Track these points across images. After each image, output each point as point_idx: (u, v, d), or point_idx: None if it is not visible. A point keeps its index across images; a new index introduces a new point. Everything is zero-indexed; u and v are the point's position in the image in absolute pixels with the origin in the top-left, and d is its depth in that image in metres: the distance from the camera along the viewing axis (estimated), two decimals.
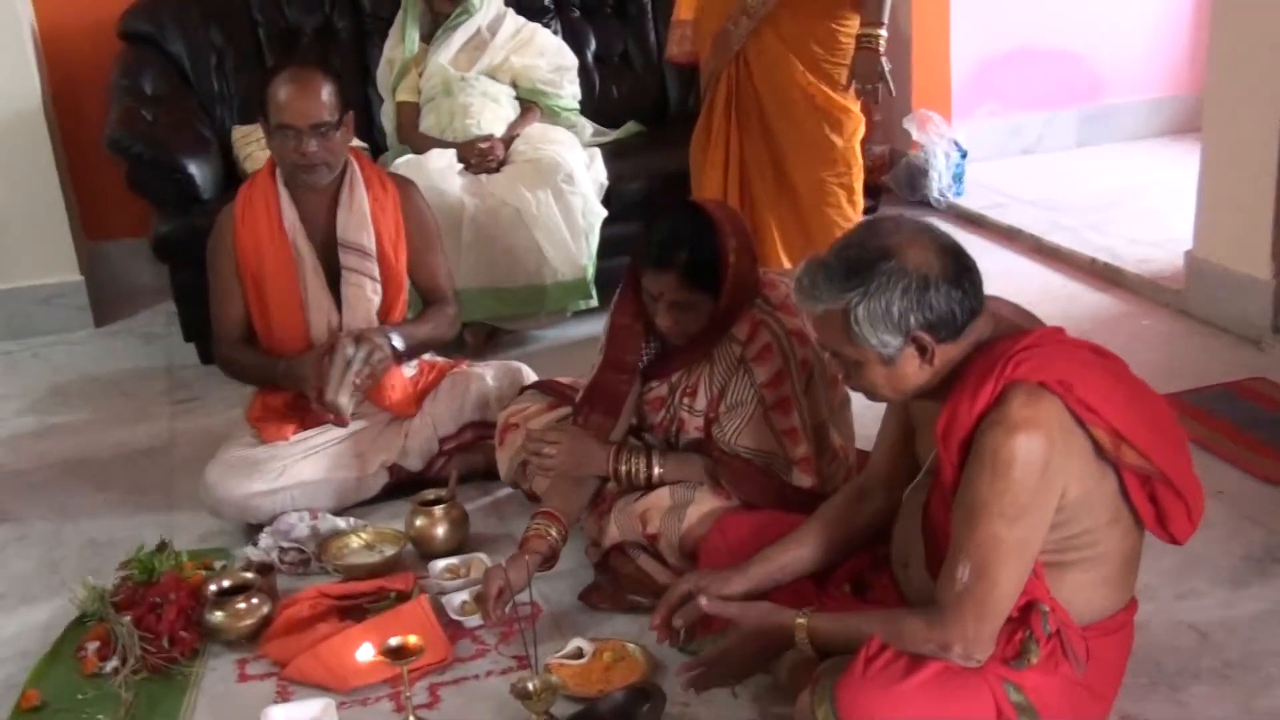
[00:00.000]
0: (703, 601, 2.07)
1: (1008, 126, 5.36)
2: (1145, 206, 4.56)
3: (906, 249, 1.83)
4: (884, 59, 3.33)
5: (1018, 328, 1.94)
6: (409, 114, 4.04)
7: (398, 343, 2.86)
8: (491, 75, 4.05)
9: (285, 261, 2.85)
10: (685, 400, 2.49)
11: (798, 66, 3.38)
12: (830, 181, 3.49)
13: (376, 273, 2.89)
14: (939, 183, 4.84)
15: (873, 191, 4.88)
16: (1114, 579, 1.95)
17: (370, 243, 2.88)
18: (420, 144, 3.93)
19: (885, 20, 3.31)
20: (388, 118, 4.12)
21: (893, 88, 3.39)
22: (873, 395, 1.95)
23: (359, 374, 2.81)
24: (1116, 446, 1.85)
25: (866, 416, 2.41)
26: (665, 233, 2.35)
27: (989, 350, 1.87)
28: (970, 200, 4.84)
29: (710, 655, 2.10)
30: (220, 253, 2.90)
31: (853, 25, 3.35)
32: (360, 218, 2.88)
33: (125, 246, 4.48)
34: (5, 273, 4.11)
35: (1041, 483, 1.80)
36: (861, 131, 3.54)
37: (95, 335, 4.16)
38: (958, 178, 4.88)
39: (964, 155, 4.89)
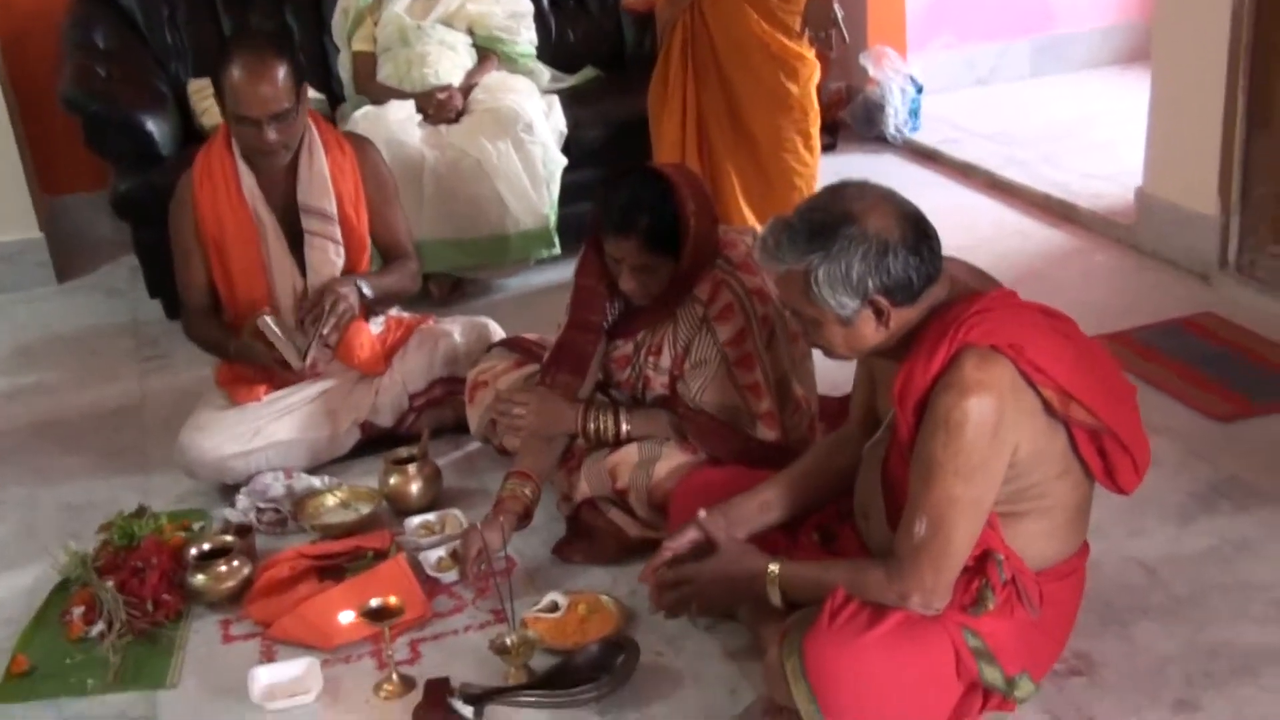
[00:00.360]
0: (701, 514, 2.15)
1: (962, 58, 5.41)
2: (1098, 138, 4.63)
3: (869, 214, 1.88)
4: (837, 5, 3.37)
5: (972, 291, 2.00)
6: (365, 64, 4.02)
7: (366, 290, 2.89)
8: (447, 23, 4.03)
9: (246, 228, 2.86)
10: (650, 359, 2.55)
11: (752, 15, 3.40)
12: (787, 128, 3.53)
13: (339, 235, 2.91)
14: (895, 118, 4.89)
15: (830, 129, 4.95)
16: (1065, 527, 2.04)
17: (331, 206, 2.89)
18: (378, 93, 3.93)
19: None
20: (344, 68, 4.10)
21: (846, 34, 3.42)
22: (830, 353, 2.02)
23: (327, 325, 2.83)
24: (1065, 405, 1.92)
25: (828, 364, 2.48)
26: (625, 199, 2.39)
27: (944, 314, 1.93)
28: (926, 135, 4.90)
29: (684, 574, 2.15)
30: (181, 221, 2.91)
31: None
32: (321, 182, 2.88)
33: (83, 200, 4.47)
34: None
35: (993, 442, 1.87)
36: (817, 77, 3.58)
37: (58, 292, 4.17)
38: (914, 113, 4.93)
39: (920, 90, 4.94)
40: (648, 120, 3.70)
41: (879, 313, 1.91)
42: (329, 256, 2.91)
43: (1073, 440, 1.96)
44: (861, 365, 2.20)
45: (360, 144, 3.02)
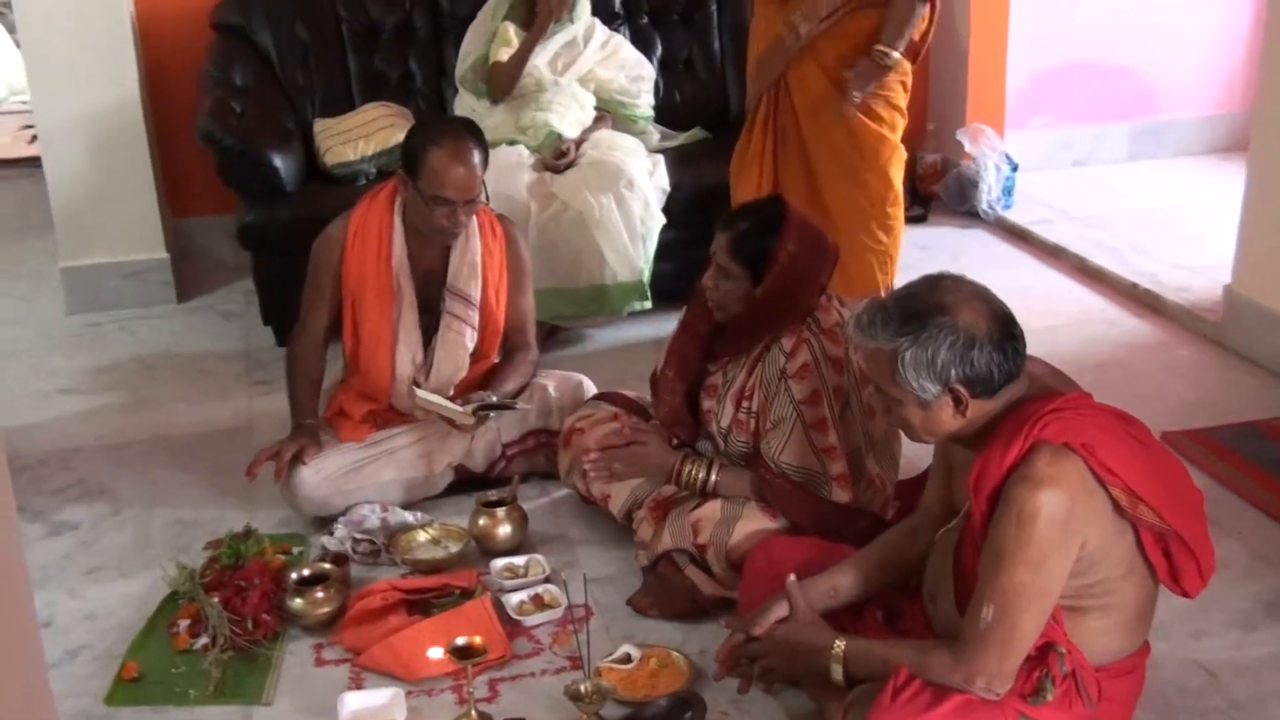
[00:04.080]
0: (791, 578, 2.26)
1: (1059, 138, 5.47)
2: (1190, 229, 4.67)
3: (961, 308, 2.00)
4: (884, 77, 3.42)
5: (1050, 390, 2.10)
6: (501, 73, 4.13)
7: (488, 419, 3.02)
8: (580, 82, 4.23)
9: (385, 294, 2.98)
10: (734, 400, 2.68)
11: (834, 94, 3.46)
12: (863, 206, 3.56)
13: (477, 321, 3.03)
14: (988, 195, 4.96)
15: (923, 200, 5.05)
16: (1128, 625, 2.12)
17: (477, 293, 3.01)
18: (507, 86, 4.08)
19: (899, 48, 3.39)
20: (460, 111, 4.27)
21: (901, 110, 3.50)
22: (909, 433, 2.13)
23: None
24: (1134, 505, 2.01)
25: (917, 447, 2.58)
26: (746, 207, 2.66)
27: (1021, 409, 2.03)
28: (1018, 214, 4.96)
29: (754, 650, 2.26)
30: (324, 262, 3.02)
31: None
32: (471, 268, 3.00)
33: (207, 223, 4.70)
34: (97, 248, 4.33)
35: (1063, 535, 1.96)
36: (901, 159, 3.61)
37: (177, 311, 4.38)
38: (1007, 191, 5.00)
39: (1015, 169, 5.00)
40: None
41: (958, 401, 2.02)
42: (463, 340, 3.03)
43: (1139, 541, 2.05)
44: (939, 456, 2.30)
45: (508, 226, 3.13)
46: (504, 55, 4.14)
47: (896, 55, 3.40)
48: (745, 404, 2.67)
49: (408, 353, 3.02)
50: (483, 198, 2.96)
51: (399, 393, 3.05)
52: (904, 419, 2.08)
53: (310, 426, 3.01)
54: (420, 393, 2.95)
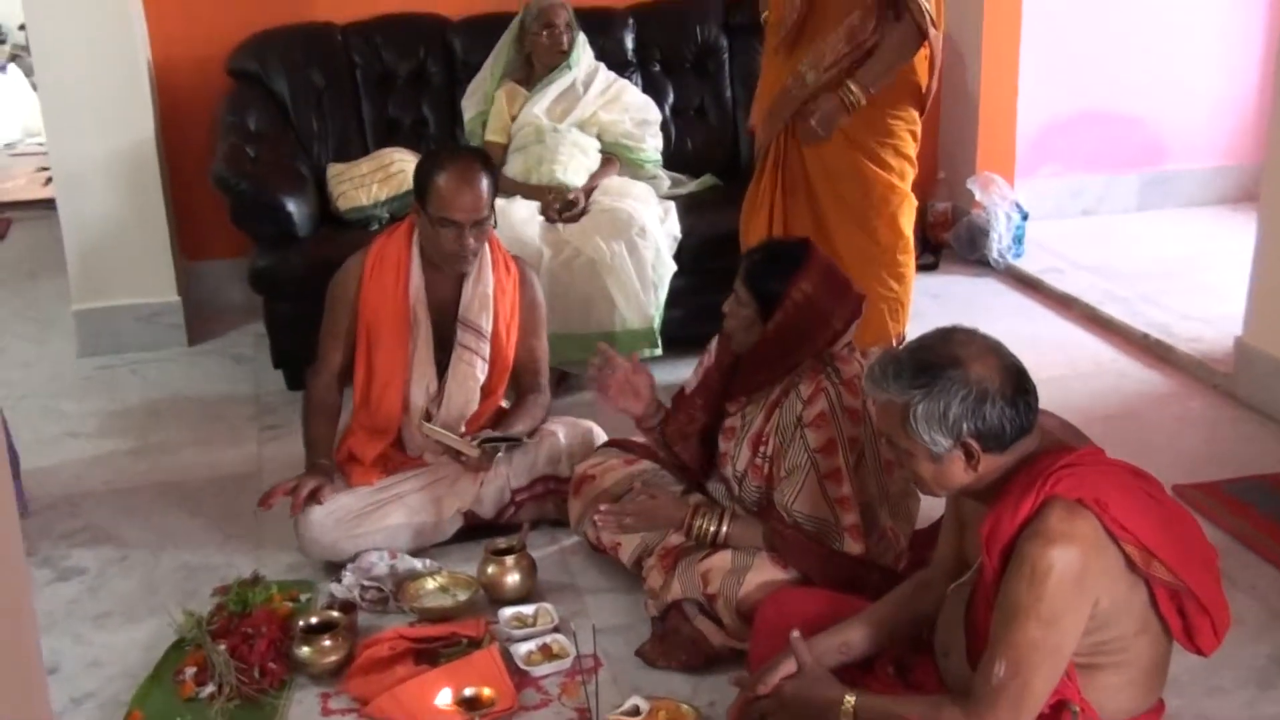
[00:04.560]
0: (795, 634, 2.24)
1: (1069, 187, 5.49)
2: (1201, 280, 4.67)
3: (973, 361, 2.00)
4: (845, 117, 3.40)
5: (1062, 445, 2.09)
6: (495, 154, 4.22)
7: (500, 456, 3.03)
8: (580, 127, 4.25)
9: (401, 325, 3.01)
10: (760, 448, 2.68)
11: (843, 143, 3.48)
12: (872, 254, 3.56)
13: (488, 353, 3.06)
14: (999, 244, 4.98)
15: (933, 248, 5.06)
16: (1141, 682, 2.10)
17: (488, 325, 3.04)
18: (501, 185, 4.12)
19: (871, 89, 3.36)
20: None
21: (825, 133, 3.46)
22: (920, 486, 2.13)
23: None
24: (1147, 562, 2.00)
25: (930, 499, 2.56)
26: (773, 241, 2.70)
27: (1033, 464, 2.03)
28: (1028, 262, 4.97)
29: (764, 707, 2.24)
30: (341, 296, 3.06)
31: (902, 112, 3.48)
32: (484, 300, 3.04)
33: (219, 266, 4.72)
34: (110, 291, 4.35)
35: (1076, 592, 1.95)
36: (912, 206, 3.62)
37: (188, 354, 4.40)
38: (1018, 239, 5.01)
39: (1025, 217, 5.02)
40: None
41: (969, 455, 2.01)
42: (475, 372, 3.05)
43: (1153, 598, 2.03)
44: (951, 510, 2.29)
45: (523, 267, 3.18)
46: (497, 131, 4.23)
47: (862, 98, 3.37)
48: (761, 448, 2.68)
49: (422, 383, 3.04)
50: (491, 223, 2.99)
51: (410, 427, 3.06)
52: (915, 471, 2.08)
53: (325, 466, 3.02)
54: (427, 425, 2.96)
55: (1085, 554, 1.94)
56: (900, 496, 2.67)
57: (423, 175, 2.95)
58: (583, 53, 4.35)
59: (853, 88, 3.38)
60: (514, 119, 4.26)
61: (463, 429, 3.08)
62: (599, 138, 4.29)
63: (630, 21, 4.69)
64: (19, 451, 3.17)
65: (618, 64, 4.53)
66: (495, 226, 3.07)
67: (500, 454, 3.02)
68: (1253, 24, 5.44)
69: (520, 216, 3.93)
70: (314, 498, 2.94)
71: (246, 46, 4.41)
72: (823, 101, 3.41)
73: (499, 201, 3.97)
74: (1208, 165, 5.59)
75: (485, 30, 4.44)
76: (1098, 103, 5.40)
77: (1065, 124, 5.39)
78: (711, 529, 2.68)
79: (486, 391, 3.10)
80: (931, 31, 3.34)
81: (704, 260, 4.02)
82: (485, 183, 2.92)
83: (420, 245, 3.02)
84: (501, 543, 2.93)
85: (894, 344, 3.59)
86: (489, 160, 3.04)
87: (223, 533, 3.21)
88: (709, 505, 2.75)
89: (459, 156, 2.99)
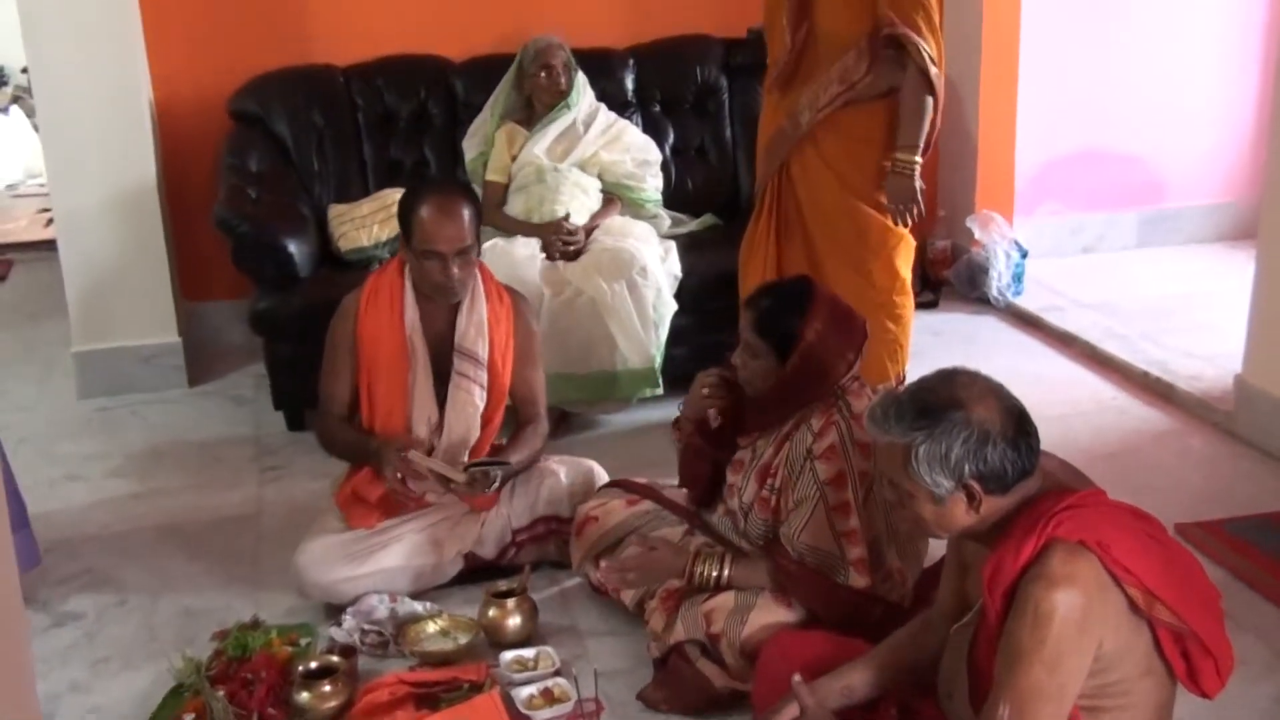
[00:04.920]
0: (796, 678, 2.22)
1: (1069, 225, 5.50)
2: (1200, 317, 4.68)
3: (975, 403, 2.00)
4: (919, 181, 3.41)
5: (1064, 487, 2.09)
6: (495, 193, 4.26)
7: (497, 485, 3.00)
8: (581, 167, 4.27)
9: (399, 357, 3.02)
10: (768, 480, 2.68)
11: (835, 184, 3.48)
12: (868, 295, 3.51)
13: (485, 381, 3.06)
14: (998, 282, 4.99)
15: (933, 286, 5.07)
16: None
17: (484, 352, 3.06)
18: (502, 224, 4.15)
19: (921, 146, 3.39)
20: None
21: (923, 209, 3.47)
22: (921, 527, 2.12)
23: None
24: (1150, 605, 1.99)
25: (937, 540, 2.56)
26: (773, 285, 2.70)
27: (1035, 506, 2.03)
28: (1028, 300, 4.97)
29: None
30: (340, 335, 3.07)
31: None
32: (479, 327, 3.05)
33: (220, 307, 4.73)
34: (110, 332, 4.35)
35: (1079, 635, 1.94)
36: (910, 248, 3.59)
37: (188, 395, 4.40)
38: (1017, 277, 5.02)
39: (1024, 255, 5.03)
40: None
41: (971, 497, 2.01)
42: (472, 399, 3.06)
43: (1157, 640, 2.02)
44: (952, 551, 2.28)
45: (516, 298, 3.19)
46: (497, 171, 4.26)
47: (918, 160, 3.39)
48: (769, 480, 2.68)
49: (423, 414, 3.04)
50: (476, 253, 3.00)
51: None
52: (917, 513, 2.08)
53: (381, 441, 2.98)
54: (414, 454, 2.95)
55: (1088, 597, 1.93)
56: (909, 537, 2.66)
57: (405, 211, 2.98)
58: (583, 93, 4.38)
59: (901, 156, 3.39)
60: (514, 159, 4.28)
61: (465, 457, 3.07)
62: (600, 177, 4.31)
63: (631, 62, 4.72)
64: (25, 499, 3.16)
65: (618, 104, 4.56)
66: (480, 256, 3.08)
67: (493, 483, 2.98)
68: (1248, 63, 5.47)
69: (522, 256, 3.94)
70: (406, 465, 2.92)
71: (248, 88, 4.44)
72: (892, 186, 3.41)
73: (500, 241, 4.01)
74: (1206, 203, 5.60)
75: (487, 71, 4.47)
76: (1096, 141, 5.43)
77: (1064, 162, 5.41)
78: (713, 574, 2.67)
79: (484, 420, 3.11)
80: (934, 71, 3.35)
81: (705, 299, 4.03)
82: (467, 213, 2.95)
83: (412, 280, 3.04)
84: (502, 585, 2.92)
85: (894, 384, 3.58)
86: (469, 191, 3.07)
87: (223, 576, 3.20)
88: (709, 549, 2.74)
89: (438, 189, 3.02)
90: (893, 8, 3.32)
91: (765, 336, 2.61)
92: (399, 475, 2.93)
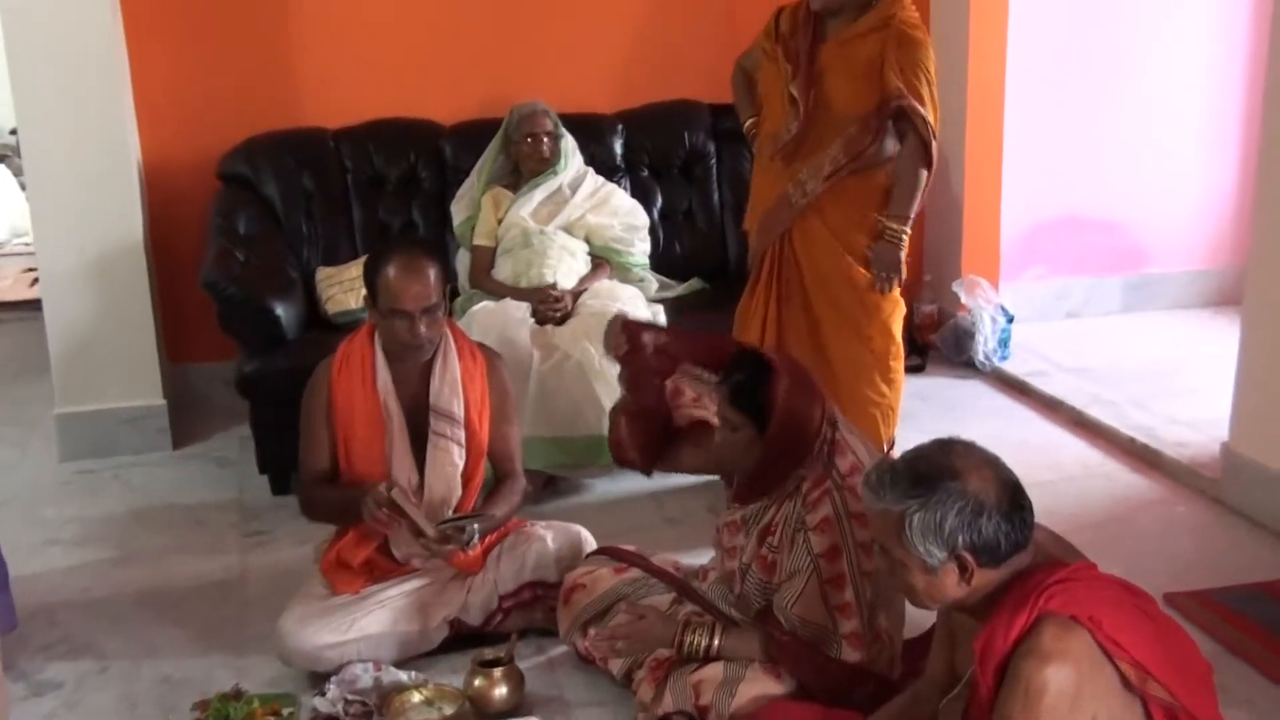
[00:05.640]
0: None
1: (1054, 289, 5.53)
2: (1185, 383, 4.68)
3: (971, 474, 2.00)
4: (904, 253, 3.50)
5: (1055, 560, 2.08)
6: (484, 258, 4.27)
7: (475, 540, 2.98)
8: (568, 230, 4.29)
9: (375, 421, 3.01)
10: (768, 539, 2.67)
11: (839, 250, 3.53)
12: (865, 359, 3.59)
13: (463, 439, 3.05)
14: (984, 346, 5.00)
15: (920, 350, 5.08)
16: None
17: (460, 410, 3.05)
18: (491, 288, 4.15)
19: (912, 217, 3.48)
20: (462, 263, 4.36)
21: (904, 278, 3.55)
22: (911, 598, 2.11)
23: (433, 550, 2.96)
24: (1142, 680, 1.98)
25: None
26: (734, 360, 2.70)
27: (1026, 579, 2.02)
28: (1015, 365, 4.99)
29: None
30: (314, 404, 3.05)
31: None
32: (453, 386, 3.05)
33: (205, 369, 4.71)
34: (94, 394, 4.32)
35: (1070, 711, 1.93)
36: (902, 312, 3.66)
37: (172, 458, 4.36)
38: (1003, 342, 5.03)
39: (1010, 320, 5.05)
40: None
41: (963, 568, 2.00)
42: (451, 458, 3.04)
43: (1149, 716, 2.01)
44: (943, 622, 2.27)
45: (490, 355, 3.19)
46: (484, 236, 4.28)
47: (906, 229, 3.48)
48: (769, 539, 2.67)
49: (402, 476, 3.01)
50: (443, 311, 3.00)
51: (398, 532, 3.01)
52: (908, 583, 2.07)
53: (363, 489, 2.94)
54: (397, 490, 2.91)
55: (1080, 672, 1.92)
56: (891, 593, 2.65)
57: (370, 272, 2.98)
58: (570, 158, 4.40)
59: (892, 225, 3.48)
60: (500, 222, 4.30)
61: (449, 514, 3.05)
62: (588, 241, 4.32)
63: (619, 127, 4.76)
64: (6, 562, 3.12)
65: (607, 169, 4.59)
66: (450, 315, 3.09)
67: (469, 538, 2.95)
68: (1229, 131, 5.54)
69: (513, 318, 3.94)
70: (388, 503, 2.88)
71: (238, 151, 4.45)
72: (879, 252, 3.49)
73: (490, 304, 4.01)
74: (1189, 269, 5.65)
75: (476, 135, 4.49)
76: (1080, 207, 5.47)
77: (1049, 228, 5.45)
78: (703, 643, 2.65)
79: (465, 478, 3.09)
80: (933, 145, 3.44)
81: None
82: (432, 271, 2.94)
83: (382, 344, 3.03)
84: (488, 653, 2.88)
85: (885, 448, 3.59)
86: (434, 249, 3.07)
87: (205, 643, 3.15)
88: (699, 618, 2.72)
89: (402, 248, 3.01)
90: (901, 79, 3.38)
91: (743, 409, 2.61)
92: (380, 508, 2.86)
